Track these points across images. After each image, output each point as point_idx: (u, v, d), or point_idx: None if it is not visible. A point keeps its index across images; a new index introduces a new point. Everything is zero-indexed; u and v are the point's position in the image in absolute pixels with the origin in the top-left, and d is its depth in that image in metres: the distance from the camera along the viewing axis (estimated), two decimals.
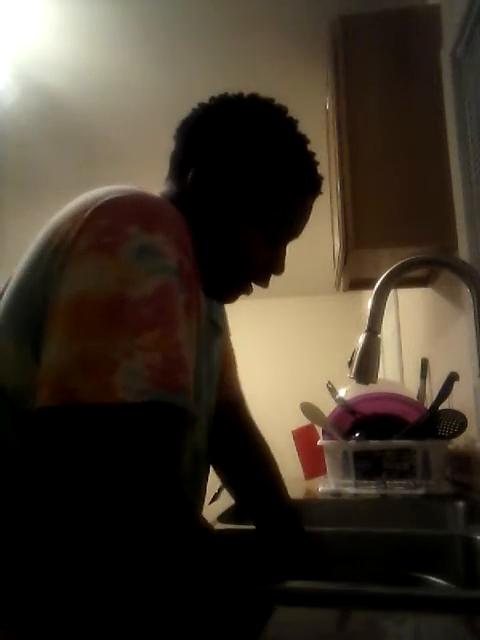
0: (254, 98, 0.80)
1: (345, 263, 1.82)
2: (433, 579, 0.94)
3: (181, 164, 0.81)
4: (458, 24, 1.56)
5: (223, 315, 0.99)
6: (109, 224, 0.62)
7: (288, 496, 1.03)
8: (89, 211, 0.63)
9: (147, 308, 0.58)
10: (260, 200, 0.77)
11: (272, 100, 0.81)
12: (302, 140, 0.81)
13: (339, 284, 2.11)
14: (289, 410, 2.18)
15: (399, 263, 1.05)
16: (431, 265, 1.61)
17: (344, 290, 2.11)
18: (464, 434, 1.51)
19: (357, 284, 2.04)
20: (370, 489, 1.49)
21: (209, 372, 0.87)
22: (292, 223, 0.81)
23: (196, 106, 0.82)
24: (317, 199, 0.85)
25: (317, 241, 3.49)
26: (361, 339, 1.03)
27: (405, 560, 0.95)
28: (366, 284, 1.85)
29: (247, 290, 0.83)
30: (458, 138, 1.62)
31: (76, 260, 0.60)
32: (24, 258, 0.69)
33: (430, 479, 1.48)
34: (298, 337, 6.01)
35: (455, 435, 1.52)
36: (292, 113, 0.81)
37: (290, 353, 5.96)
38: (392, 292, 1.85)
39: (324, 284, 3.47)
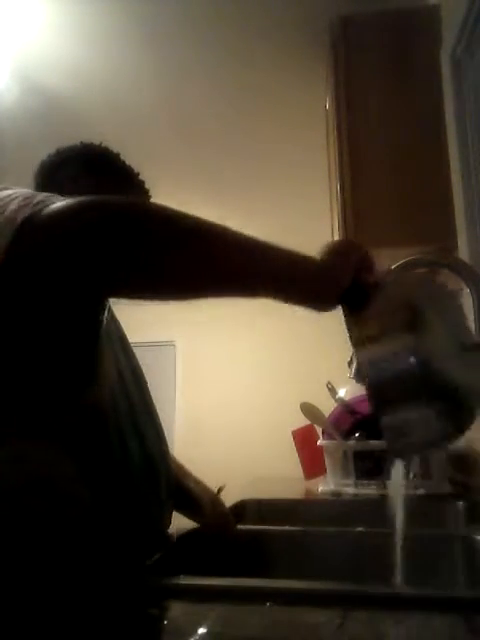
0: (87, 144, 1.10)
1: None
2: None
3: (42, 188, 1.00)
4: (458, 24, 1.56)
5: None
6: None
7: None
8: None
9: None
10: None
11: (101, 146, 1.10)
12: (124, 162, 1.07)
13: None
14: (289, 410, 2.18)
15: (399, 263, 1.05)
16: (431, 265, 1.61)
17: None
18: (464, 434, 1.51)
19: None
20: (370, 489, 1.48)
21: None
22: None
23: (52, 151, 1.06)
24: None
25: (317, 241, 3.49)
26: None
27: (405, 560, 0.95)
28: None
29: None
30: (458, 138, 1.62)
31: None
32: None
33: (430, 479, 1.48)
34: (298, 337, 6.01)
35: None
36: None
37: (290, 353, 5.96)
38: None
39: None
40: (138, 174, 1.09)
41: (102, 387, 0.78)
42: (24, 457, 0.65)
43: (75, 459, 0.68)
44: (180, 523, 0.98)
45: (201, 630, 0.54)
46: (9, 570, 0.64)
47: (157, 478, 0.88)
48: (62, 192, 0.97)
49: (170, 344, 6.26)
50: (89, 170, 1.04)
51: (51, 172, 1.05)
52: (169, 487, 0.92)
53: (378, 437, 1.54)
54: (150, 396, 0.96)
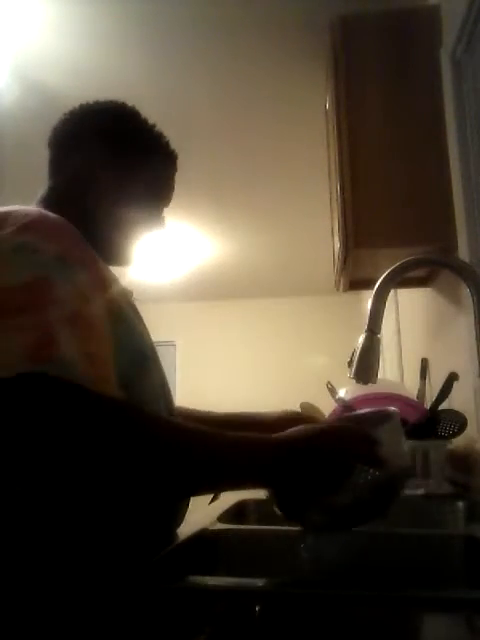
0: (107, 101, 1.05)
1: (345, 263, 1.82)
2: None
3: (60, 164, 0.98)
4: (458, 24, 1.56)
5: None
6: None
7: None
8: None
9: (20, 295, 0.67)
10: (128, 175, 0.97)
11: (119, 102, 1.05)
12: (148, 124, 1.04)
13: (339, 284, 2.11)
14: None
15: (399, 263, 1.05)
16: (431, 265, 1.62)
17: (344, 290, 2.11)
18: (464, 434, 1.51)
19: (357, 284, 2.04)
20: None
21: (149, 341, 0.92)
22: (158, 188, 1.02)
23: (65, 114, 1.02)
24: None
25: (317, 241, 3.49)
26: (361, 339, 1.03)
27: (405, 560, 0.95)
28: (366, 284, 1.85)
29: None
30: (458, 138, 1.62)
31: None
32: None
33: (430, 479, 1.48)
34: (298, 337, 6.01)
35: (455, 435, 1.51)
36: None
37: (290, 353, 5.96)
38: (392, 292, 1.85)
39: (324, 284, 3.48)
40: (163, 137, 1.04)
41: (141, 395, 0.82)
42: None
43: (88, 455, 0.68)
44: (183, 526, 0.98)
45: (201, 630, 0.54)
46: (14, 568, 0.64)
47: None
48: (75, 178, 0.96)
49: (171, 344, 6.31)
50: (106, 140, 0.97)
51: (65, 148, 0.98)
52: None
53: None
54: (172, 400, 0.98)
